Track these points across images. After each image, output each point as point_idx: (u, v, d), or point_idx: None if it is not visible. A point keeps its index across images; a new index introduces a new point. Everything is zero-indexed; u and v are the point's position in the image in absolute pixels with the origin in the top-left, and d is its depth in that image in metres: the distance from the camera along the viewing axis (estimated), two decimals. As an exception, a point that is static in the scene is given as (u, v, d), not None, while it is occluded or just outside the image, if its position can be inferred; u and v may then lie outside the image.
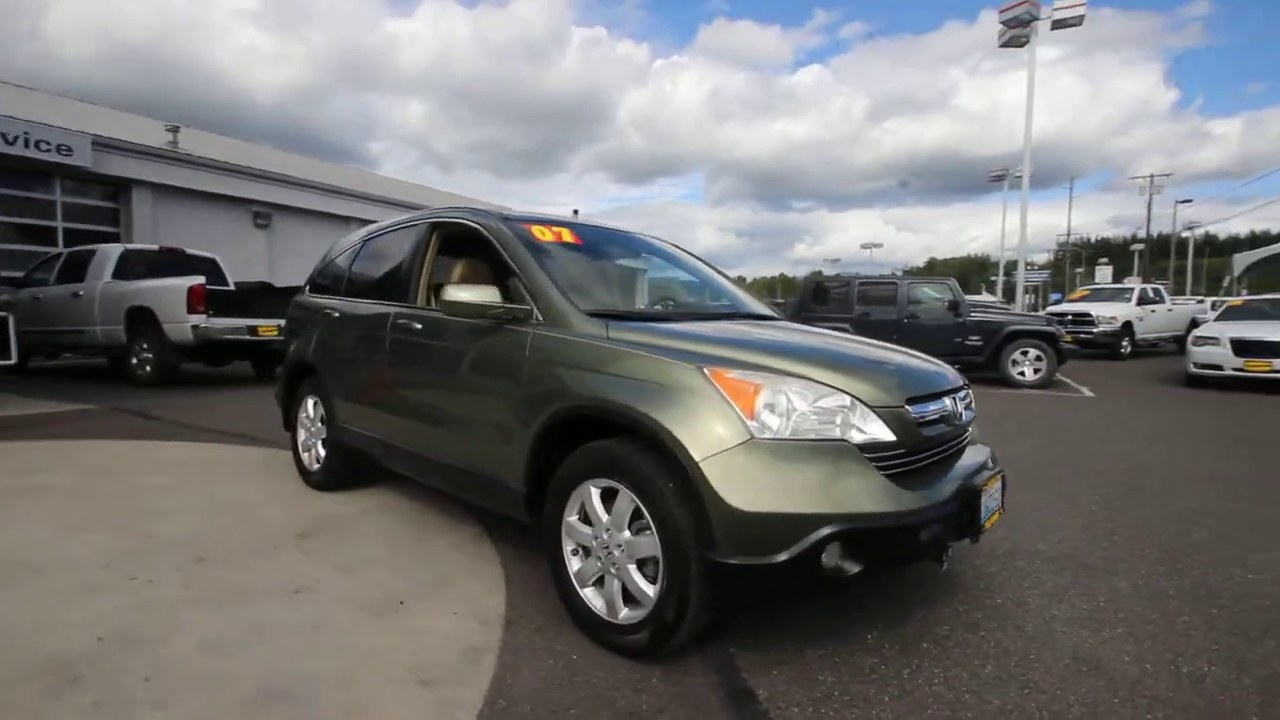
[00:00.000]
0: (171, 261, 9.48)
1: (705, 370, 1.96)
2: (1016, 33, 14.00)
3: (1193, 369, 9.47)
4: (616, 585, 2.09)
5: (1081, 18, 13.53)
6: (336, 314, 3.67)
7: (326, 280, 4.10)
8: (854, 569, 1.82)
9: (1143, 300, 15.86)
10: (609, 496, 2.11)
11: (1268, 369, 8.73)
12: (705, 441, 1.85)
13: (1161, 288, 17.29)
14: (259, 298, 9.34)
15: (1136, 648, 2.21)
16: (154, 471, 4.21)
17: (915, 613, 2.44)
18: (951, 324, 10.14)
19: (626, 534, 2.05)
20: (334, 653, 2.09)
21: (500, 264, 2.76)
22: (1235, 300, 11.02)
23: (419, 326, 2.99)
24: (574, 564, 2.24)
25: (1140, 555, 3.04)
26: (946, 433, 2.19)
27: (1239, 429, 6.47)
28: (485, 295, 2.51)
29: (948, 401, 2.23)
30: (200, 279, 8.36)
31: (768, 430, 1.86)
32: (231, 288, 9.76)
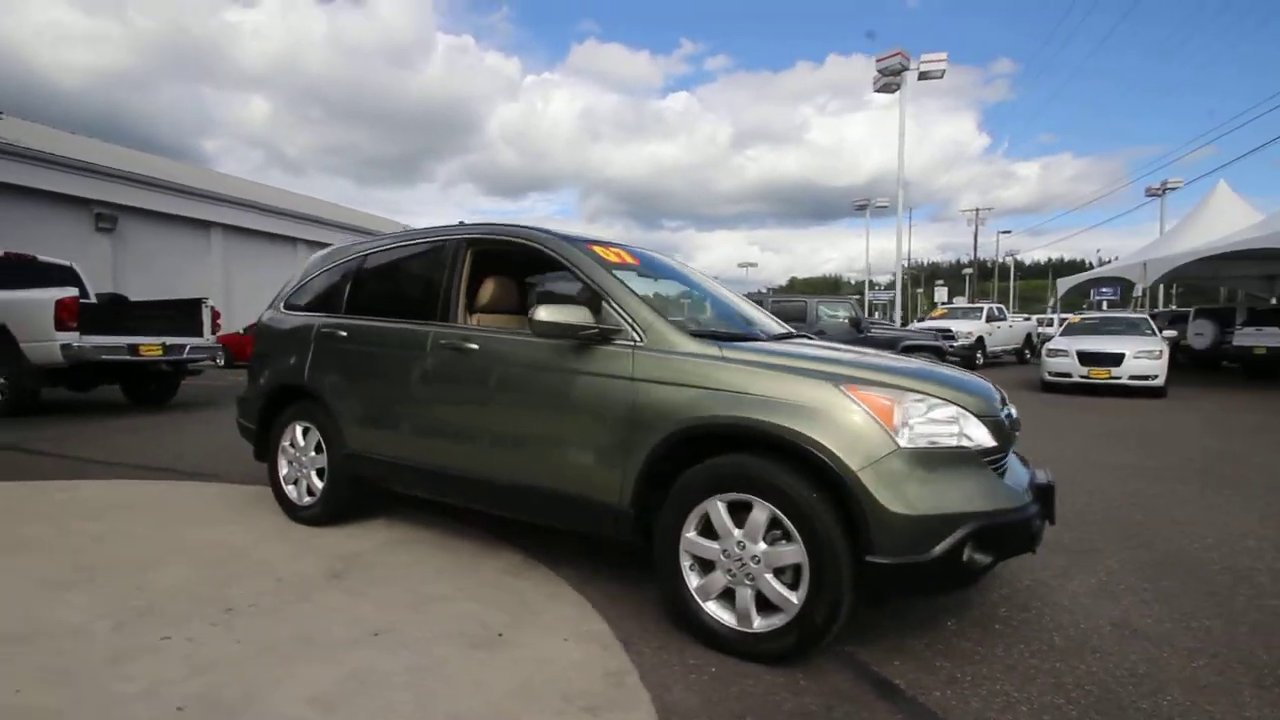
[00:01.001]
0: (20, 270, 8.07)
1: (843, 388, 2.12)
2: (889, 80, 15.83)
3: (1047, 376, 11.11)
4: (749, 595, 2.16)
5: (943, 72, 15.61)
6: (343, 333, 3.40)
7: (311, 298, 3.77)
8: (985, 561, 2.04)
9: (990, 318, 18.25)
10: (737, 509, 2.19)
11: (1106, 376, 10.45)
12: (859, 453, 2.00)
13: (1003, 307, 20.01)
14: (136, 312, 8.22)
15: (1151, 611, 2.63)
16: (90, 516, 3.61)
17: (971, 600, 2.72)
18: (853, 338, 11.11)
19: (762, 545, 2.13)
20: (469, 691, 1.97)
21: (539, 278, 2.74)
22: (1074, 318, 13.08)
23: (474, 346, 2.87)
24: (693, 580, 2.28)
25: (1106, 536, 3.58)
26: (1012, 436, 2.51)
27: (1101, 425, 7.70)
28: (578, 315, 2.49)
29: (1011, 409, 2.55)
30: (71, 290, 7.23)
31: (907, 440, 2.04)
32: (94, 300, 8.49)
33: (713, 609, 2.24)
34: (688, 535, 2.27)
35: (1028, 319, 23.50)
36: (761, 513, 2.12)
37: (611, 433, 2.42)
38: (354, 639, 2.29)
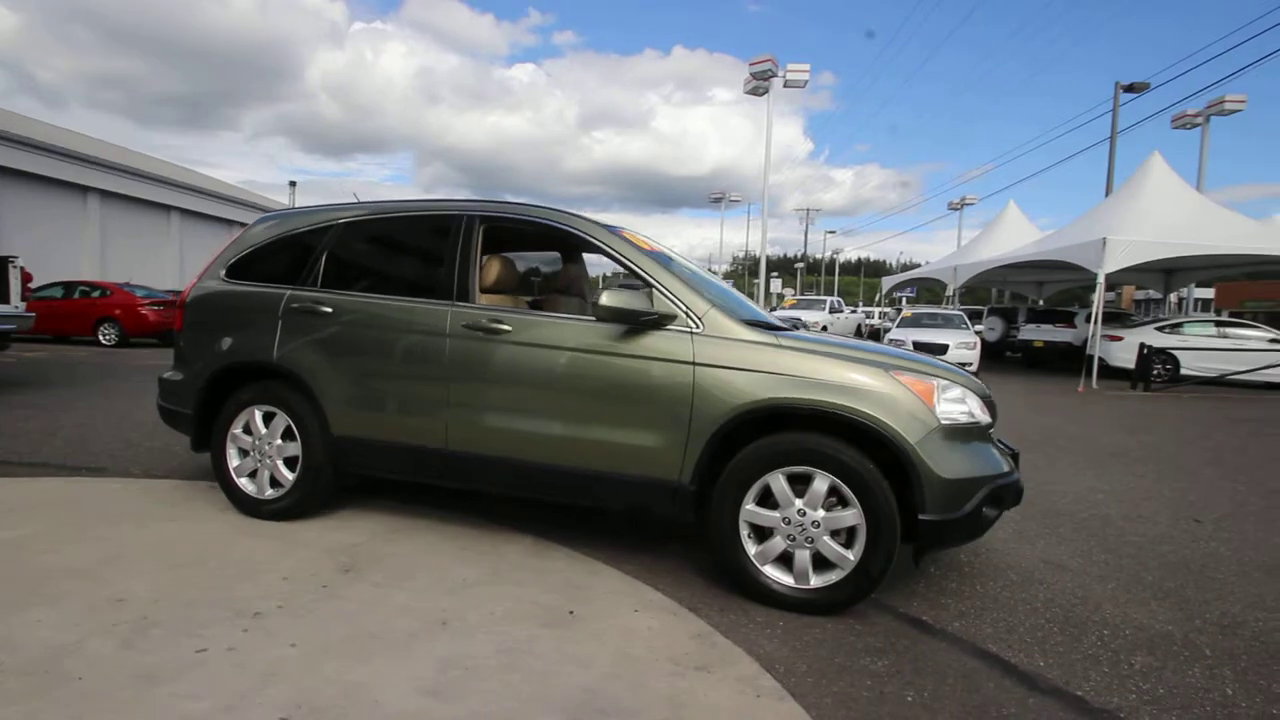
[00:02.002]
0: None
1: (892, 373, 2.44)
2: (759, 84, 16.99)
3: (889, 363, 12.77)
4: (807, 556, 2.43)
5: (805, 81, 17.07)
6: (326, 308, 3.10)
7: (265, 268, 3.36)
8: (994, 515, 2.48)
9: (832, 310, 20.46)
10: (797, 481, 2.44)
11: (936, 363, 12.26)
12: (913, 429, 2.33)
13: (841, 300, 22.49)
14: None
15: (1062, 550, 3.31)
16: (5, 523, 2.96)
17: (979, 555, 3.20)
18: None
19: (822, 512, 2.40)
20: (576, 666, 2.02)
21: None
22: (907, 312, 15.13)
23: (506, 328, 2.80)
24: (751, 547, 2.49)
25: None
26: (995, 415, 3.00)
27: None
28: (641, 302, 2.57)
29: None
30: None
31: (944, 417, 2.41)
32: None
33: (770, 571, 2.47)
34: (747, 506, 2.48)
35: (855, 310, 26.65)
36: (823, 483, 2.39)
37: (673, 414, 2.54)
38: (421, 629, 2.20)
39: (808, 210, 58.82)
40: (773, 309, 24.99)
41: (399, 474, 3.05)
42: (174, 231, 23.41)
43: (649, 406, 2.58)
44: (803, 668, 2.08)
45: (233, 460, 3.24)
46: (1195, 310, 19.94)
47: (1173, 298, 18.25)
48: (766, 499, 2.48)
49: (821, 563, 2.43)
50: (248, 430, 3.22)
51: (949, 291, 17.89)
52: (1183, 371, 12.45)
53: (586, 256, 3.77)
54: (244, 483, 3.23)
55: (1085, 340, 15.32)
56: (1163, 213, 12.97)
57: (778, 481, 2.44)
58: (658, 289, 2.68)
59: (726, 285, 3.88)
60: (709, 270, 4.04)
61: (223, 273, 3.43)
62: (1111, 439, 6.68)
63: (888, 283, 22.65)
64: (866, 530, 2.35)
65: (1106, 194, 22.00)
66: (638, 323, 2.60)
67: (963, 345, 12.38)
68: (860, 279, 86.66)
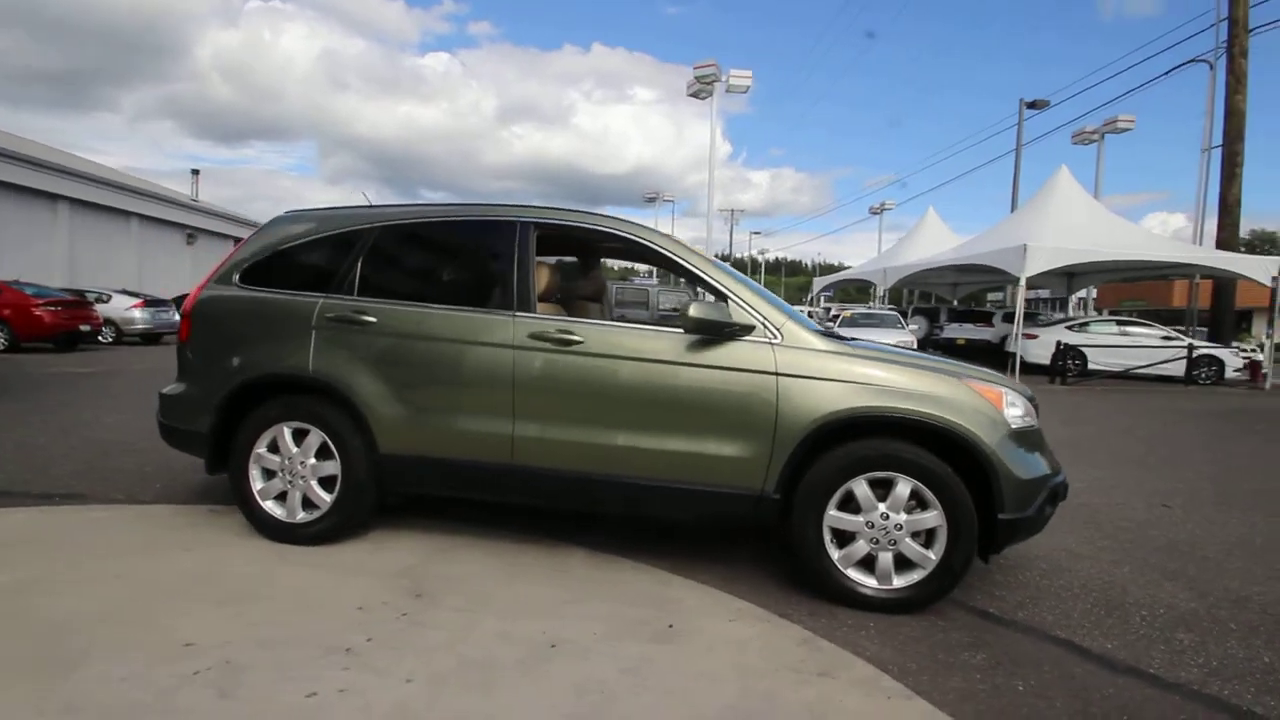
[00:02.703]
0: None
1: (965, 381, 2.57)
2: (702, 88, 17.29)
3: (835, 362, 13.35)
4: (890, 558, 2.53)
5: (748, 87, 17.53)
6: (369, 318, 2.92)
7: (288, 274, 3.13)
8: (1050, 512, 2.67)
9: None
10: (878, 485, 2.53)
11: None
12: (991, 434, 2.47)
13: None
14: None
15: (1071, 541, 3.60)
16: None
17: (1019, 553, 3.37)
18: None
19: (904, 515, 2.51)
20: (706, 680, 2.02)
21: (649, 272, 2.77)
22: (847, 312, 15.85)
23: (578, 338, 2.74)
24: (835, 552, 2.57)
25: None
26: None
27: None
28: (723, 313, 2.59)
29: None
30: None
31: (1012, 421, 2.57)
32: None
33: (853, 574, 2.56)
34: (831, 512, 2.55)
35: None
36: (905, 486, 2.49)
37: (757, 424, 2.57)
38: (531, 654, 2.13)
39: (733, 211, 60.32)
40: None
41: (455, 492, 2.92)
42: (62, 223, 21.24)
43: (733, 417, 2.60)
44: (913, 666, 2.17)
45: (256, 482, 3.00)
46: (1083, 310, 21.98)
47: (1073, 299, 20.06)
48: (846, 504, 2.56)
49: (903, 563, 2.54)
50: (274, 449, 2.99)
51: (879, 292, 18.86)
52: (1090, 366, 13.71)
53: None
54: (270, 506, 2.99)
55: (1003, 338, 16.58)
56: (1070, 221, 14.23)
57: (861, 487, 2.52)
58: (735, 300, 2.71)
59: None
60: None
61: (236, 278, 3.16)
62: (1056, 432, 7.26)
63: (819, 283, 23.63)
64: (948, 530, 2.47)
65: (1013, 203, 23.90)
66: (722, 334, 2.61)
67: (901, 345, 13.09)
68: (781, 279, 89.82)
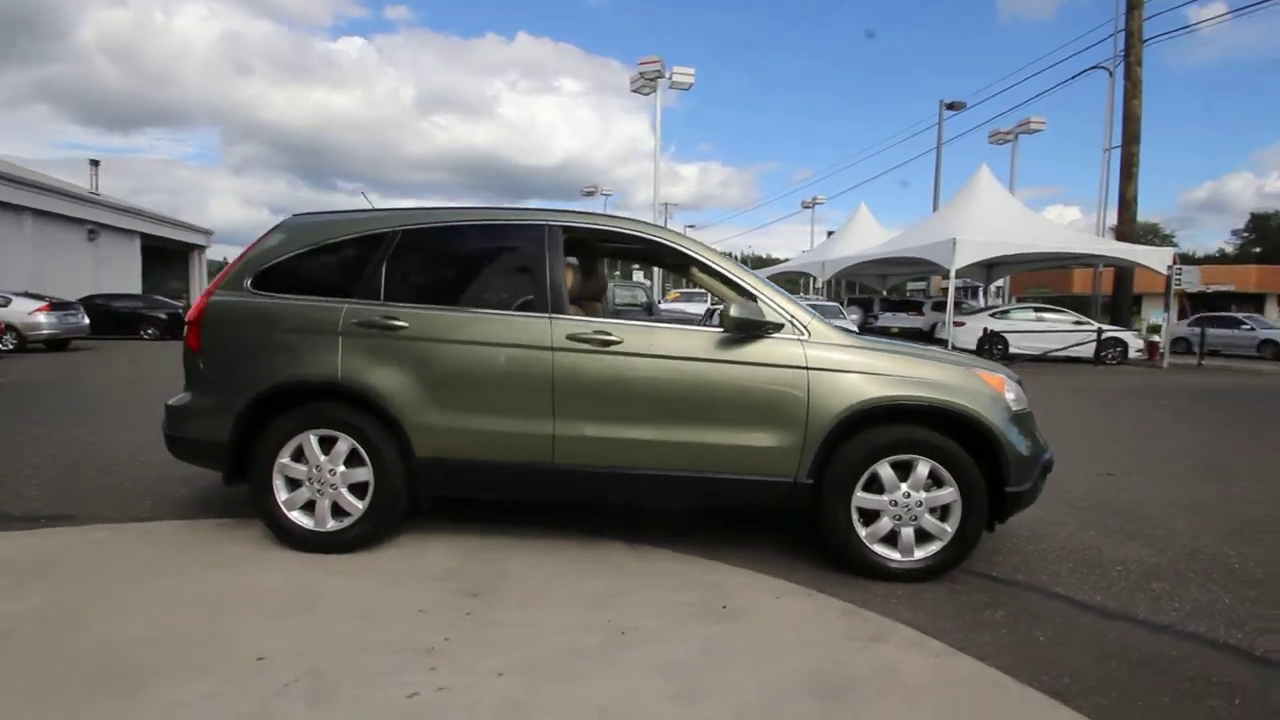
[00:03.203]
0: None
1: (973, 371, 2.85)
2: (645, 84, 17.45)
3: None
4: (911, 532, 2.78)
5: (691, 84, 17.80)
6: (400, 322, 2.91)
7: (307, 278, 3.08)
8: (1042, 484, 2.99)
9: (713, 303, 21.58)
10: (898, 467, 2.77)
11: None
12: (997, 416, 2.75)
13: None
14: None
15: (1037, 510, 4.00)
16: (9, 594, 2.44)
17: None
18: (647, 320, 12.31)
19: (923, 493, 2.76)
20: (775, 654, 2.19)
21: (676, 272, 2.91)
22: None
23: (617, 338, 2.84)
24: (861, 530, 2.79)
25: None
26: None
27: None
28: (757, 312, 2.75)
29: None
30: None
31: (1013, 404, 2.86)
32: None
33: (879, 549, 2.79)
34: (858, 494, 2.77)
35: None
36: (924, 467, 2.74)
37: (791, 415, 2.76)
38: (608, 642, 2.25)
39: (666, 205, 60.91)
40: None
41: (493, 494, 2.98)
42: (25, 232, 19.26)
43: (768, 410, 2.78)
44: (948, 627, 2.42)
45: (281, 493, 2.94)
46: (1001, 298, 23.67)
47: (992, 288, 21.56)
48: (870, 485, 2.79)
49: (922, 536, 2.79)
50: (298, 458, 2.94)
51: (819, 284, 19.65)
52: (1011, 350, 14.82)
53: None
54: (297, 516, 2.95)
55: (933, 325, 17.66)
56: (992, 216, 15.31)
57: (885, 469, 2.76)
58: (764, 300, 2.88)
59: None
60: None
61: (248, 283, 3.08)
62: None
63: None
64: (962, 505, 2.74)
65: (935, 198, 25.36)
66: (758, 332, 2.78)
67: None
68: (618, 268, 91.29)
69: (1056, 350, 14.60)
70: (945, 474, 2.75)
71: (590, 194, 34.64)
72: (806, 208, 32.47)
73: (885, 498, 2.77)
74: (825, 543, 2.87)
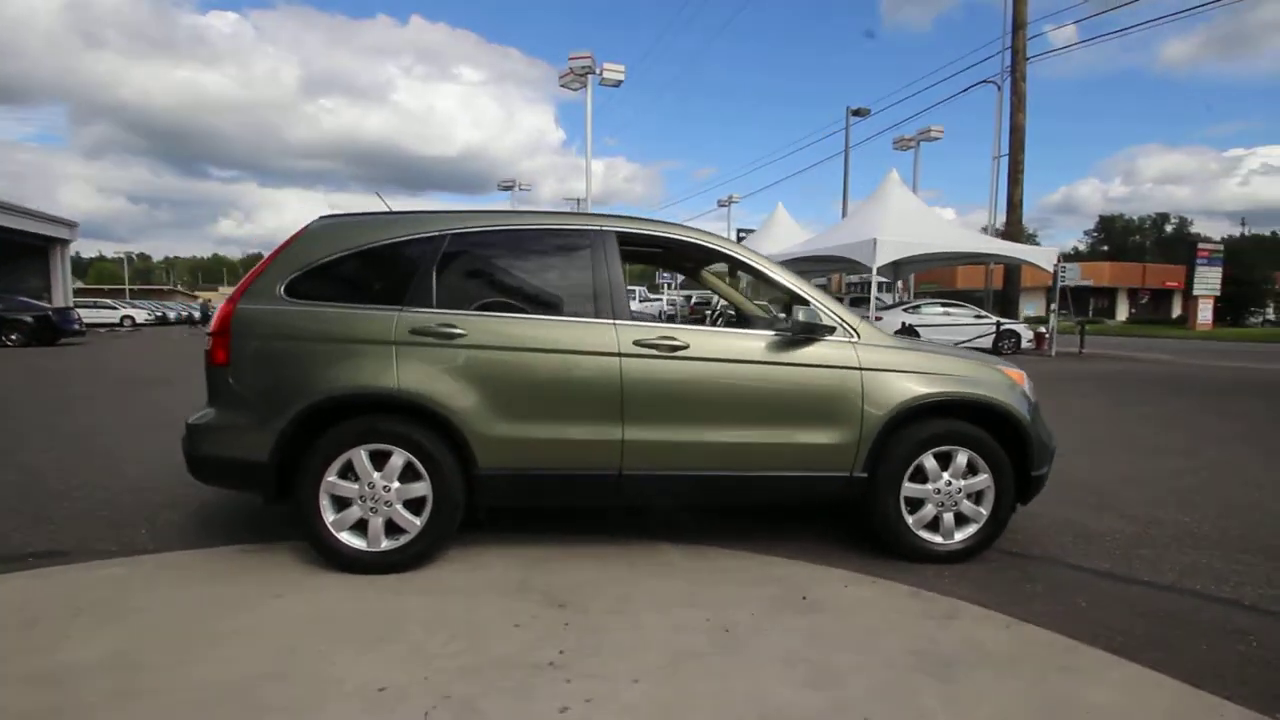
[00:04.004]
0: None
1: (999, 368, 3.14)
2: (575, 79, 17.28)
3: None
4: (951, 517, 3.03)
5: (620, 81, 17.80)
6: (458, 329, 2.82)
7: (348, 285, 2.93)
8: (1050, 468, 3.34)
9: (643, 299, 21.87)
10: (942, 458, 3.02)
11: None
12: (1023, 408, 3.05)
13: (645, 289, 24.12)
14: None
15: (1059, 497, 4.44)
16: (92, 638, 2.16)
17: None
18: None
19: (962, 480, 3.02)
20: (876, 633, 2.35)
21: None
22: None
23: (683, 342, 2.89)
24: (909, 517, 3.02)
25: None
26: None
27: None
28: (815, 316, 2.91)
29: None
30: None
31: (1030, 398, 3.18)
32: None
33: (924, 534, 3.03)
34: (906, 484, 3.00)
35: (655, 299, 28.84)
36: (963, 457, 3.01)
37: (848, 413, 2.93)
38: (718, 640, 2.32)
39: (579, 200, 60.73)
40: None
41: (558, 503, 2.97)
42: None
43: (827, 408, 2.94)
44: (1003, 601, 2.67)
45: (328, 513, 2.78)
46: (908, 294, 25.48)
47: (899, 284, 23.16)
48: (915, 476, 3.02)
49: (960, 520, 3.06)
50: (347, 475, 2.80)
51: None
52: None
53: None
54: (347, 537, 2.80)
55: (852, 320, 18.76)
56: (902, 217, 16.48)
57: (929, 460, 2.99)
58: (816, 305, 3.03)
59: None
60: None
61: (280, 290, 2.87)
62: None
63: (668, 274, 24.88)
64: (995, 490, 3.03)
65: (844, 200, 26.86)
66: (815, 335, 2.93)
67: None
68: (625, 266, 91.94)
69: (962, 341, 15.96)
70: (980, 462, 3.02)
71: (508, 188, 33.87)
72: (723, 206, 33.50)
73: (929, 486, 3.01)
74: (875, 531, 3.08)
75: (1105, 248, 79.34)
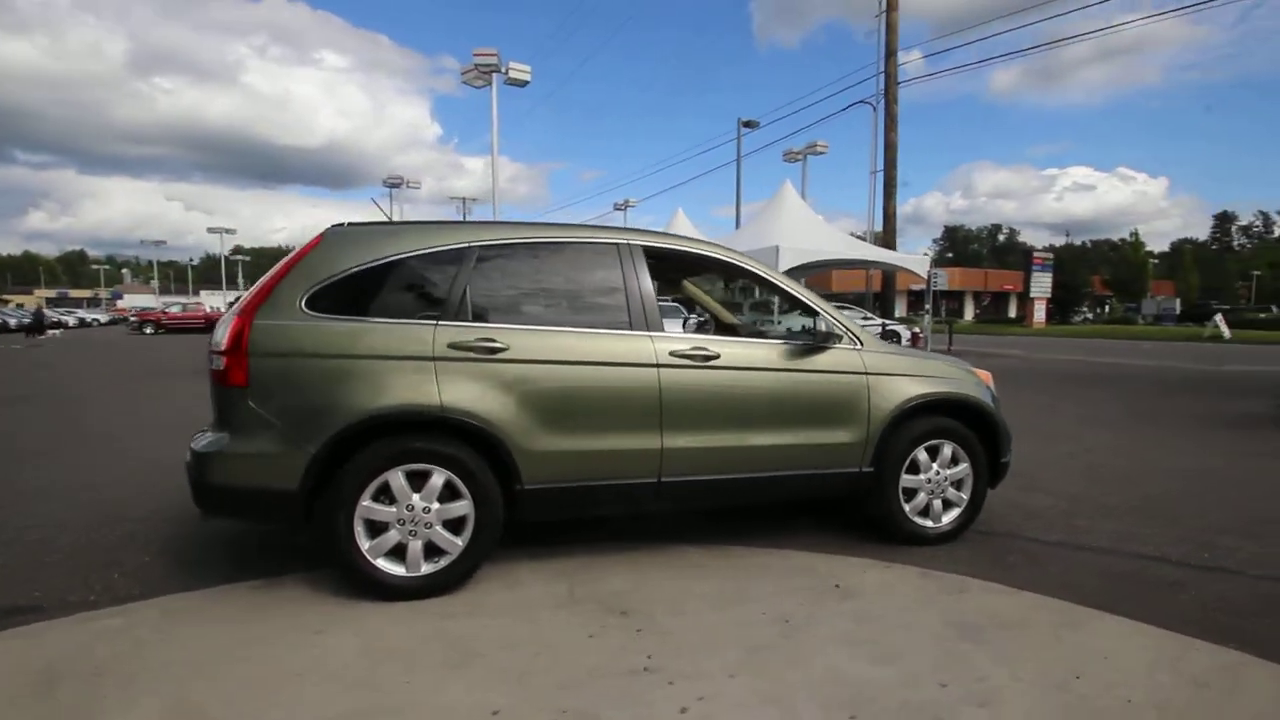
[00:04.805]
0: None
1: (973, 370, 3.57)
2: (477, 75, 16.78)
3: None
4: (939, 504, 3.42)
5: (526, 82, 17.50)
6: (498, 343, 2.79)
7: (374, 298, 2.80)
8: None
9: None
10: (932, 451, 3.40)
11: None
12: (993, 404, 3.50)
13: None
14: None
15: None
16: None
17: None
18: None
19: (948, 470, 3.42)
20: (919, 612, 2.63)
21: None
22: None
23: (715, 352, 3.04)
24: (906, 506, 3.37)
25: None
26: None
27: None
28: (832, 326, 3.17)
29: None
30: None
31: (995, 395, 3.65)
32: None
33: (917, 519, 3.40)
34: (904, 476, 3.35)
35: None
36: (949, 449, 3.40)
37: (858, 414, 3.22)
38: (781, 630, 2.50)
39: (464, 200, 58.97)
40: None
41: (598, 513, 3.01)
42: None
43: (841, 410, 3.21)
44: (996, 573, 3.07)
45: (364, 541, 2.66)
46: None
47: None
48: (909, 468, 3.38)
49: (946, 506, 3.46)
50: (381, 498, 2.69)
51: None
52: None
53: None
54: (384, 564, 2.69)
55: (754, 322, 19.73)
56: (796, 226, 17.63)
57: (921, 453, 3.36)
58: (824, 315, 3.30)
59: None
60: None
61: (301, 304, 2.70)
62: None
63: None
64: (974, 476, 3.46)
65: (736, 208, 28.16)
66: (829, 343, 3.20)
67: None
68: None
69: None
70: (961, 453, 3.43)
71: (396, 185, 32.17)
72: (619, 209, 33.97)
73: (922, 477, 3.38)
74: (878, 519, 3.40)
75: (950, 254, 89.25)
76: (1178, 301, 50.67)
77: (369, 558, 2.67)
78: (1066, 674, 2.21)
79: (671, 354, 3.01)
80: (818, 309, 3.36)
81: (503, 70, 16.21)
